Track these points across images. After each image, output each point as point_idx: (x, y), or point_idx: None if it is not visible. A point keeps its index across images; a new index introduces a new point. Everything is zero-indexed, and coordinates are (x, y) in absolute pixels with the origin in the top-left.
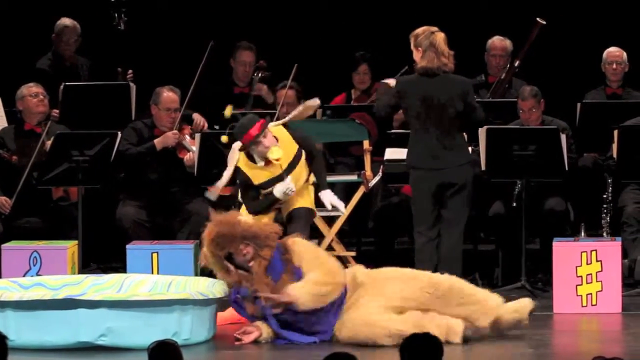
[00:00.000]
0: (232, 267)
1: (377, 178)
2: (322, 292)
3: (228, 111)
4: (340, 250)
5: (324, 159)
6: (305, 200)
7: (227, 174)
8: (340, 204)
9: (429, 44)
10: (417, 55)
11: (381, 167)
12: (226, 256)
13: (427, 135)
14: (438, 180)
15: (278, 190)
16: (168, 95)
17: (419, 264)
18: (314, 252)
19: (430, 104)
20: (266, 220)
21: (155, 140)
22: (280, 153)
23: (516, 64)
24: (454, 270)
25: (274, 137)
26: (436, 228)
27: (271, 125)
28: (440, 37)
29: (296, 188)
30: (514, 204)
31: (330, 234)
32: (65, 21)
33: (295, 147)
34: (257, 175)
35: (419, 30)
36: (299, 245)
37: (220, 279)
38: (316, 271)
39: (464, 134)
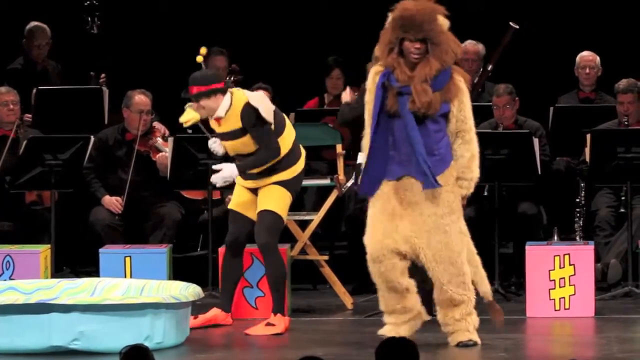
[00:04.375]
0: (395, 51)
1: (350, 182)
2: None
3: (202, 52)
4: (313, 254)
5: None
6: (269, 203)
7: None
8: (214, 177)
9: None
10: None
11: (354, 171)
12: (400, 38)
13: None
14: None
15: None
16: (140, 98)
17: None
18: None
19: None
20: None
21: (103, 199)
22: (188, 116)
23: (489, 68)
24: None
25: (230, 102)
26: None
27: (242, 92)
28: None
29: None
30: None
31: (303, 237)
32: (35, 25)
33: (238, 123)
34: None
35: None
36: (464, 94)
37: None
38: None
39: None
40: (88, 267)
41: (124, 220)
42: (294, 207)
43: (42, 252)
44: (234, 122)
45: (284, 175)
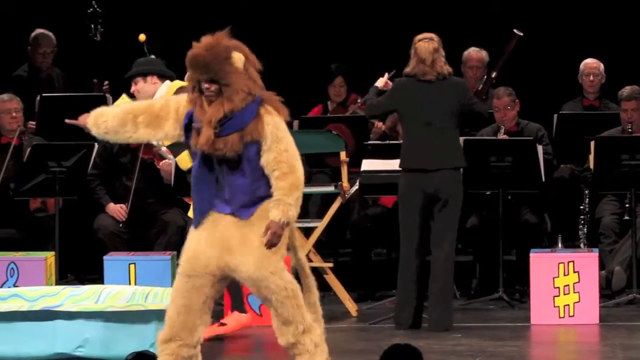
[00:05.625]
0: (197, 89)
1: (354, 188)
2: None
3: (141, 38)
4: (317, 261)
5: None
6: None
7: None
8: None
9: (413, 53)
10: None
11: (358, 178)
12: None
13: (418, 139)
14: (426, 182)
15: None
16: None
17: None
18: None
19: (425, 109)
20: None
21: (107, 206)
22: (121, 102)
23: (493, 75)
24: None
25: (166, 89)
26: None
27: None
28: (422, 45)
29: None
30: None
31: (307, 244)
32: (41, 32)
33: None
34: None
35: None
36: (275, 128)
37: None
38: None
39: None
40: (92, 274)
41: (129, 228)
42: (299, 215)
43: (47, 259)
44: None
45: None
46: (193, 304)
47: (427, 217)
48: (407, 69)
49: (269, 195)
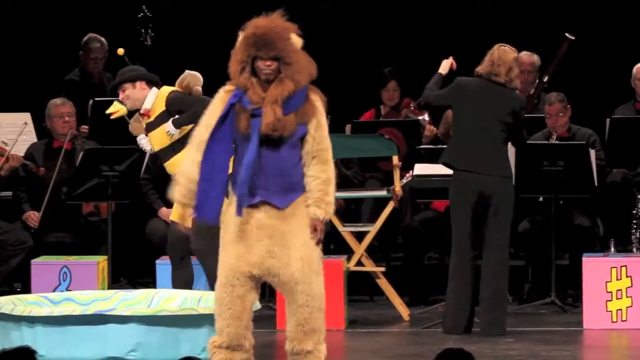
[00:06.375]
0: (247, 71)
1: (408, 178)
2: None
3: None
4: (369, 265)
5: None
6: None
7: None
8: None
9: (490, 54)
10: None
11: (410, 171)
12: (252, 57)
13: (472, 140)
14: (479, 184)
15: None
16: None
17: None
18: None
19: (483, 113)
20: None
21: (159, 211)
22: (114, 109)
23: (545, 79)
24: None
25: (155, 95)
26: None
27: (165, 89)
28: (501, 50)
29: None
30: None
31: (359, 249)
32: (92, 37)
33: (162, 107)
34: None
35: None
36: (321, 114)
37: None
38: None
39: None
40: (145, 278)
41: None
42: (351, 219)
43: (99, 263)
44: (159, 107)
45: None
46: (240, 313)
47: (480, 219)
48: (479, 68)
49: (300, 183)
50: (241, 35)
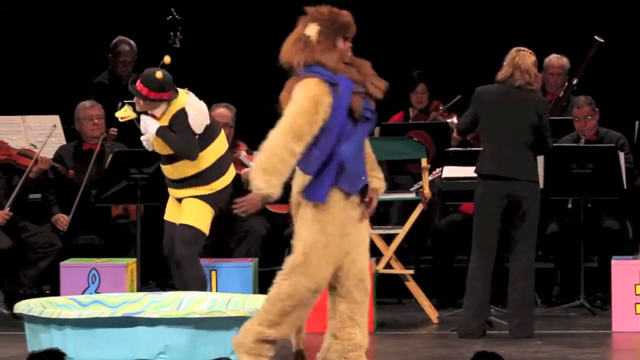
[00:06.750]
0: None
1: (435, 175)
2: None
3: (166, 61)
4: (398, 268)
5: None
6: (187, 217)
7: None
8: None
9: (509, 59)
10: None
11: (438, 169)
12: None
13: (499, 146)
14: (509, 190)
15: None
16: (221, 111)
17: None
18: None
19: (505, 116)
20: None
21: None
22: (124, 113)
23: (574, 82)
24: None
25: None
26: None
27: (186, 96)
28: (521, 54)
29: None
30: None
31: (388, 251)
32: (121, 40)
33: (167, 122)
34: None
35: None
36: None
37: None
38: None
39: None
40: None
41: (209, 234)
42: (379, 221)
43: (128, 266)
44: (165, 121)
45: (203, 190)
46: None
47: (507, 223)
48: (499, 74)
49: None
50: (317, 26)
